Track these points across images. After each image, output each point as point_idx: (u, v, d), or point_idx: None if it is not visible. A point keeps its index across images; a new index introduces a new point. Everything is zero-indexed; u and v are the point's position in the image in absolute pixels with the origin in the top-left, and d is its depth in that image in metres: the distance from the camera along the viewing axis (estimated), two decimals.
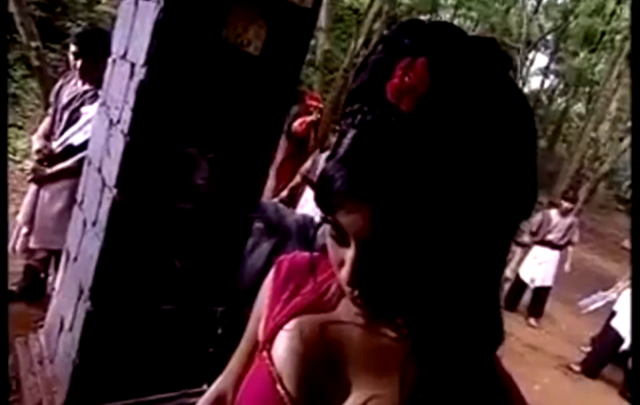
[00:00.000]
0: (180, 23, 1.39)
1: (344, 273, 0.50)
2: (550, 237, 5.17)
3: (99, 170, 1.59)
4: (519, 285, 5.32)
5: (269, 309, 0.68)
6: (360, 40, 7.79)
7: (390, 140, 0.44)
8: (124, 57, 1.52)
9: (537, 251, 5.22)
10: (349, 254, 0.49)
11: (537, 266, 5.21)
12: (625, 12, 11.23)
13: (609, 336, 4.63)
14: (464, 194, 0.45)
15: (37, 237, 2.13)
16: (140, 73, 1.41)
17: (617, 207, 19.93)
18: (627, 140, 18.92)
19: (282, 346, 0.62)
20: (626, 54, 11.94)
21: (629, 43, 13.30)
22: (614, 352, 4.61)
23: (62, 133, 2.09)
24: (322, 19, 7.22)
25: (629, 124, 19.49)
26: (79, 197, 1.75)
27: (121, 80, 1.51)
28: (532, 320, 5.26)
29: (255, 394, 0.62)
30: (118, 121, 1.49)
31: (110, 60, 1.64)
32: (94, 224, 1.58)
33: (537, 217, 5.30)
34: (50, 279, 2.27)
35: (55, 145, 2.10)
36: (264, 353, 0.64)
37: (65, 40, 5.28)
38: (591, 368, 4.69)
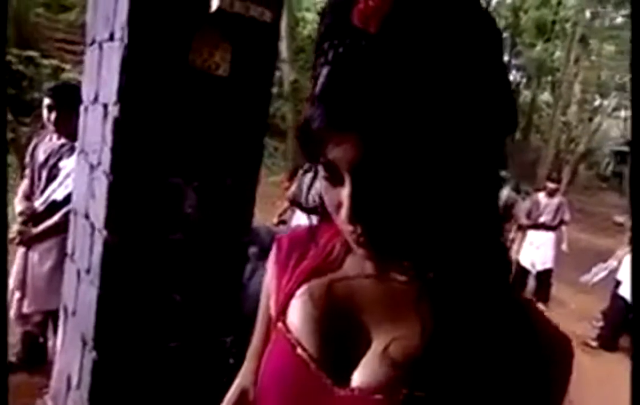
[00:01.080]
0: (146, 56, 1.41)
1: (343, 212, 0.50)
2: (542, 219, 5.23)
3: (86, 216, 1.58)
4: (521, 272, 5.33)
5: (277, 283, 0.68)
6: None
7: (363, 64, 0.45)
8: (95, 101, 1.54)
9: (532, 235, 5.26)
10: (345, 191, 0.49)
11: (535, 250, 5.25)
12: (569, 1, 11.78)
13: (618, 306, 4.63)
14: (442, 104, 0.46)
15: (31, 300, 2.08)
16: (113, 111, 1.42)
17: (600, 186, 20.30)
18: (597, 120, 19.49)
19: (296, 313, 0.62)
20: (578, 38, 12.40)
21: (580, 28, 13.91)
22: (625, 320, 4.60)
23: (43, 191, 2.08)
24: (284, 51, 7.38)
25: (596, 103, 20.16)
26: (69, 250, 1.72)
27: (96, 124, 1.52)
28: (540, 306, 5.24)
29: (277, 365, 0.61)
30: (99, 163, 1.50)
31: (82, 108, 1.66)
32: (87, 271, 1.55)
33: (525, 204, 5.36)
34: (50, 343, 2.21)
35: (38, 204, 2.08)
36: (279, 324, 0.63)
37: (35, 111, 5.38)
38: (607, 341, 4.67)
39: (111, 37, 1.45)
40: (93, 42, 1.58)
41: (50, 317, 2.11)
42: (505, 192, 4.62)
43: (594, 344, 4.63)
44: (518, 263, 5.36)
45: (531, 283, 5.48)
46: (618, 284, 4.70)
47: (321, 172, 0.53)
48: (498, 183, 0.59)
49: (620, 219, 5.56)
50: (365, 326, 0.57)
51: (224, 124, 1.63)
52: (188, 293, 1.68)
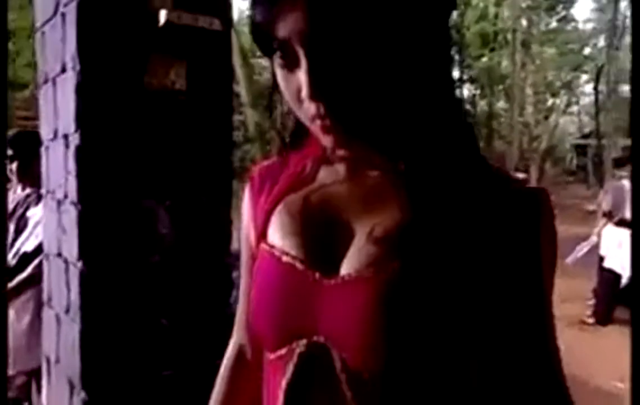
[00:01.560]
0: (100, 80, 1.42)
1: (304, 92, 0.51)
2: None
3: (59, 254, 1.53)
4: None
5: (253, 214, 0.68)
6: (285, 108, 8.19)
7: None
8: (55, 137, 1.53)
9: None
10: (302, 69, 0.50)
11: None
12: (505, 12, 12.52)
13: (606, 279, 4.70)
14: None
15: (13, 361, 1.97)
16: (74, 140, 1.41)
17: (567, 180, 20.95)
18: (552, 118, 20.30)
19: (276, 228, 0.62)
20: (520, 45, 13.06)
21: (519, 35, 14.74)
22: (615, 292, 4.66)
23: (12, 244, 2.02)
24: (244, 95, 7.55)
25: (548, 103, 21.10)
26: (45, 298, 1.66)
27: (58, 159, 1.50)
28: None
29: (266, 281, 0.61)
30: (66, 196, 1.47)
31: (42, 149, 1.64)
32: (67, 311, 1.49)
33: None
34: None
35: (9, 258, 2.01)
36: (262, 245, 0.63)
37: None
38: (602, 316, 4.71)
39: (63, 69, 1.45)
40: (46, 80, 1.58)
41: (33, 378, 2.00)
42: None
43: (591, 320, 4.65)
44: None
45: None
46: (602, 259, 4.78)
47: (277, 61, 0.54)
48: (450, 60, 0.61)
49: (591, 207, 5.70)
50: (346, 223, 0.57)
51: (188, 140, 1.63)
52: (175, 316, 1.62)
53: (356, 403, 0.51)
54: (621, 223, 4.41)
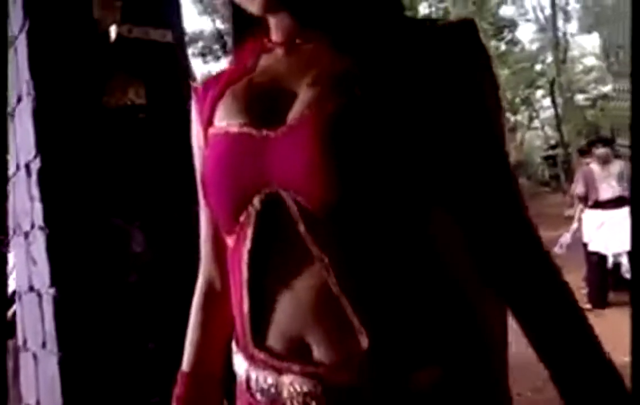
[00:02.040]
0: (57, 102, 1.43)
1: None
2: None
3: (31, 288, 1.48)
4: None
5: (200, 118, 0.68)
6: None
7: None
8: (17, 169, 1.51)
9: None
10: None
11: None
12: None
13: (594, 263, 4.72)
14: None
15: None
16: (35, 165, 1.40)
17: (543, 191, 21.44)
18: (518, 135, 20.97)
19: (222, 113, 0.63)
20: None
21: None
22: (605, 274, 4.67)
23: None
24: None
25: (512, 120, 21.87)
26: (20, 341, 1.58)
27: (22, 190, 1.48)
28: None
29: (216, 158, 0.60)
30: (32, 225, 1.44)
31: (10, 186, 1.61)
32: (43, 345, 1.42)
33: None
34: None
35: None
36: (210, 130, 0.63)
37: None
38: (597, 299, 4.69)
39: (19, 100, 1.46)
40: (12, 118, 1.58)
41: None
42: None
43: (588, 306, 4.63)
44: None
45: None
46: (585, 245, 4.82)
47: None
48: None
49: (569, 211, 5.82)
50: (289, 89, 0.58)
51: (153, 157, 1.63)
52: (161, 338, 1.56)
53: (316, 244, 0.51)
54: (596, 205, 4.50)
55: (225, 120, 0.60)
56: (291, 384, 0.52)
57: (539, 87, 23.52)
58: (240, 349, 0.59)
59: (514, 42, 21.52)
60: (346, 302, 0.50)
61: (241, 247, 0.55)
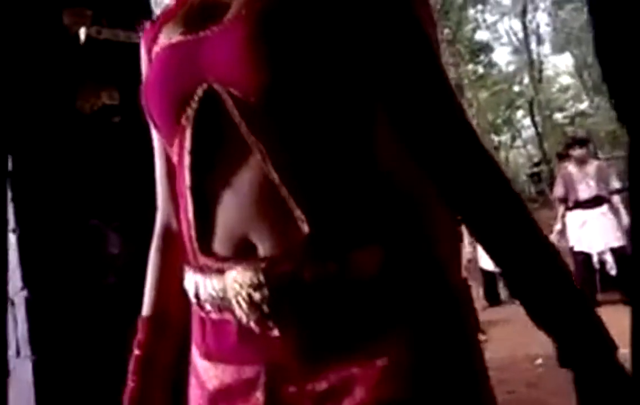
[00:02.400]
0: (30, 105, 1.44)
1: None
2: None
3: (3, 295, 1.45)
4: (489, 276, 5.41)
5: (147, 46, 0.69)
6: None
7: None
8: None
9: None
10: None
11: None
12: None
13: (579, 262, 4.73)
14: None
15: None
16: (7, 166, 1.40)
17: (531, 207, 21.64)
18: (502, 155, 21.32)
19: (162, 38, 0.64)
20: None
21: (452, 83, 15.87)
22: (592, 272, 4.68)
23: None
24: None
25: (495, 142, 22.29)
26: None
27: None
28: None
29: (156, 70, 0.62)
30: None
31: None
32: (17, 353, 1.39)
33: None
34: None
35: None
36: (154, 49, 0.64)
37: None
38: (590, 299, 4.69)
39: None
40: None
41: None
42: None
43: None
44: (482, 270, 5.43)
45: (501, 282, 5.51)
46: (571, 248, 4.84)
47: None
48: None
49: (559, 226, 5.90)
50: (225, 3, 0.59)
51: (128, 159, 1.64)
52: None
53: (252, 134, 0.52)
54: (576, 205, 4.56)
55: (167, 37, 0.61)
56: (235, 280, 0.52)
57: (518, 108, 24.06)
58: (190, 264, 0.59)
59: (491, 64, 22.12)
60: (285, 191, 0.51)
61: (183, 152, 0.56)
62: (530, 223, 0.56)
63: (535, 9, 19.35)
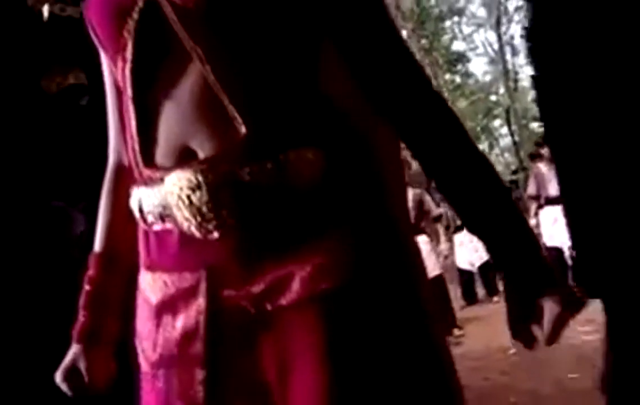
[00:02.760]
0: None
1: None
2: (460, 221, 5.51)
3: None
4: (466, 275, 5.46)
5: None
6: None
7: None
8: None
9: (457, 238, 5.48)
10: None
11: (468, 250, 5.40)
12: None
13: (553, 257, 4.82)
14: None
15: None
16: None
17: None
18: None
19: None
20: None
21: None
22: (565, 267, 4.78)
23: None
24: None
25: None
26: None
27: None
28: (495, 299, 5.34)
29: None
30: None
31: None
32: None
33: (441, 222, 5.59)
34: None
35: None
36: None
37: None
38: None
39: None
40: None
41: None
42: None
43: None
44: (459, 269, 5.49)
45: (478, 282, 5.59)
46: (544, 244, 4.94)
47: None
48: None
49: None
50: None
51: (95, 140, 1.63)
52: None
53: (190, 38, 0.54)
54: (548, 202, 4.67)
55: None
56: (174, 183, 0.53)
57: (495, 117, 24.52)
58: (136, 183, 0.60)
59: (467, 74, 22.56)
60: (223, 95, 0.52)
61: (125, 65, 0.57)
62: (465, 135, 0.59)
63: (510, 21, 19.81)
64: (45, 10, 1.46)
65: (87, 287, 0.70)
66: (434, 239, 4.60)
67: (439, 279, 4.02)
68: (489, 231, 0.57)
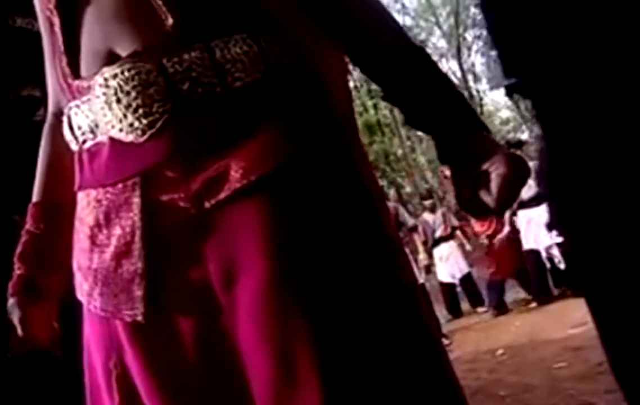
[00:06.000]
0: None
1: None
2: (437, 234, 5.53)
3: None
4: (448, 288, 5.46)
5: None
6: None
7: None
8: None
9: (436, 252, 5.49)
10: None
11: (445, 264, 5.42)
12: (381, 105, 14.16)
13: (531, 260, 4.83)
14: None
15: None
16: None
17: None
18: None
19: None
20: (401, 125, 14.66)
21: (399, 116, 16.34)
22: (543, 268, 4.79)
23: None
24: None
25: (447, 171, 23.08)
26: None
27: None
28: (480, 309, 5.31)
29: None
30: None
31: None
32: None
33: (418, 232, 5.58)
34: None
35: None
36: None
37: None
38: (541, 295, 4.75)
39: None
40: None
41: None
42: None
43: (534, 304, 4.74)
44: (441, 283, 5.49)
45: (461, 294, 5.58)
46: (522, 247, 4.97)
47: None
48: None
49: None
50: None
51: None
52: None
53: None
54: (521, 205, 4.74)
55: None
56: (100, 85, 0.52)
57: None
58: (66, 103, 0.59)
59: None
60: None
61: None
62: (401, 29, 0.59)
63: (469, 49, 20.66)
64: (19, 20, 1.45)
65: (23, 238, 0.66)
66: (412, 249, 4.61)
67: (421, 288, 4.00)
68: (411, 86, 0.55)
